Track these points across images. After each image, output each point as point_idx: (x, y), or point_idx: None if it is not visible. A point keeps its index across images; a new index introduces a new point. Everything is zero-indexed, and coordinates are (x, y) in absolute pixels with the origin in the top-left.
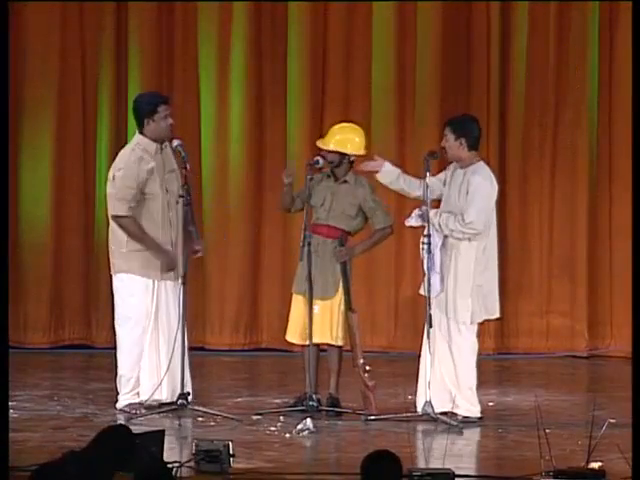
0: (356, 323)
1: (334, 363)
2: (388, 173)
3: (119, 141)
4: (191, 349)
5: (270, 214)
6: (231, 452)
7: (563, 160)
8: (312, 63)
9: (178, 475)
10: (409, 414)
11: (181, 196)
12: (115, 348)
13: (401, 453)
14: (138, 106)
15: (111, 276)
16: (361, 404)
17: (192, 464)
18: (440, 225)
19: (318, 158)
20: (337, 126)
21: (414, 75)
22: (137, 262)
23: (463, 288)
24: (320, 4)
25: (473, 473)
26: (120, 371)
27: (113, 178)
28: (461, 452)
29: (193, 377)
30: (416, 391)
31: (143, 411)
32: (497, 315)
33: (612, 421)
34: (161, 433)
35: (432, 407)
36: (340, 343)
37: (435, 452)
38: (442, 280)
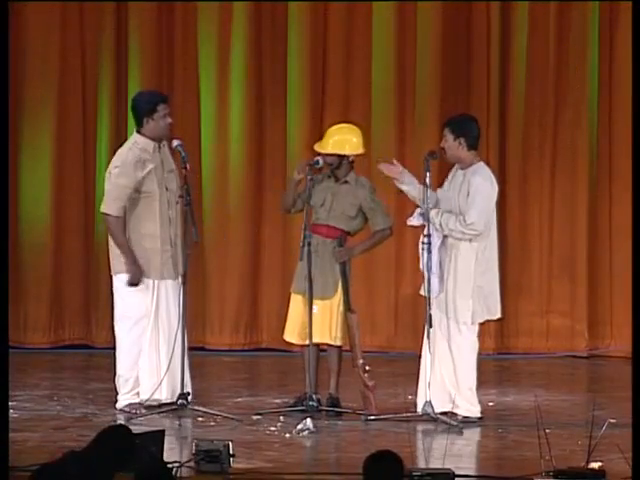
0: (355, 323)
1: (334, 363)
2: (408, 182)
3: (119, 141)
4: (191, 349)
5: (270, 214)
6: (231, 452)
7: (563, 160)
8: (312, 63)
9: (178, 475)
10: (409, 414)
11: (181, 196)
12: (115, 348)
13: (401, 453)
14: (137, 105)
15: (111, 276)
16: (361, 404)
17: (192, 464)
18: (441, 225)
19: (318, 158)
20: (333, 128)
21: (414, 75)
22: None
23: (463, 288)
24: (320, 4)
25: (473, 473)
26: (119, 371)
27: (109, 174)
28: (461, 452)
29: (193, 377)
30: (416, 391)
31: (143, 411)
32: (499, 315)
33: (612, 421)
34: (161, 433)
35: (432, 407)
36: (339, 343)
37: (435, 452)
38: (440, 281)
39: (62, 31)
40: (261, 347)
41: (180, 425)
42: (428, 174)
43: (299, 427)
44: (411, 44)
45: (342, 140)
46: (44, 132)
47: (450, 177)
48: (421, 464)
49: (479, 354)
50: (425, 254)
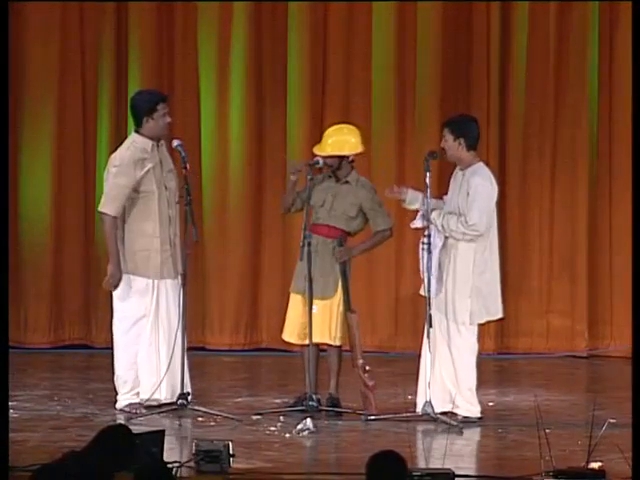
0: (356, 323)
1: (334, 363)
2: (413, 200)
3: (119, 141)
4: (191, 349)
5: (270, 214)
6: (231, 452)
7: (563, 160)
8: (312, 63)
9: (178, 475)
10: (409, 414)
11: (181, 196)
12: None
13: (401, 453)
14: (137, 104)
15: None
16: (361, 404)
17: (192, 464)
18: (443, 226)
19: (318, 158)
20: (331, 129)
21: (414, 75)
22: (136, 262)
23: (462, 289)
24: (320, 4)
25: (473, 473)
26: (117, 372)
27: (108, 174)
28: (461, 452)
29: (193, 377)
30: (416, 391)
31: (143, 411)
32: (500, 315)
33: (612, 421)
34: (161, 433)
35: (432, 407)
36: (338, 343)
37: (435, 452)
38: (438, 282)
39: (62, 31)
40: (261, 347)
41: (180, 425)
42: (428, 174)
43: (299, 427)
44: (411, 44)
45: (340, 141)
46: (44, 132)
47: (452, 180)
48: (421, 464)
49: (479, 354)
50: (425, 254)
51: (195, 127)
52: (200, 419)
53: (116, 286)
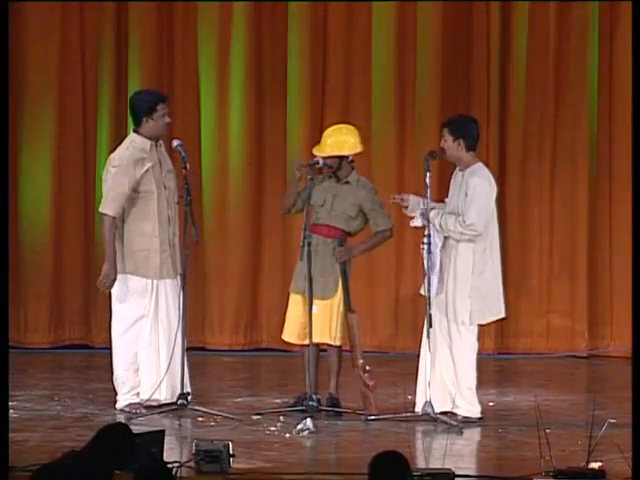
0: (356, 323)
1: (334, 363)
2: (415, 206)
3: (119, 141)
4: (191, 349)
5: (270, 214)
6: (231, 452)
7: (563, 160)
8: (312, 63)
9: (178, 475)
10: (409, 414)
11: (181, 196)
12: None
13: (402, 453)
14: (136, 104)
15: None
16: (361, 404)
17: (192, 464)
18: (441, 225)
19: (318, 158)
20: (330, 129)
21: (414, 75)
22: (135, 262)
23: (462, 289)
24: (320, 4)
25: (473, 473)
26: (115, 372)
27: (107, 174)
28: (461, 452)
29: (193, 377)
30: (416, 391)
31: (143, 411)
32: (502, 315)
33: (612, 421)
34: (161, 433)
35: (432, 407)
36: (338, 343)
37: (435, 452)
38: (440, 281)
39: (62, 31)
40: (261, 347)
41: (180, 425)
42: (428, 174)
43: (299, 427)
44: (411, 44)
45: (340, 141)
46: (44, 132)
47: (452, 180)
48: (421, 464)
49: (479, 354)
50: (425, 254)
51: (195, 127)
52: (200, 419)
53: (110, 286)
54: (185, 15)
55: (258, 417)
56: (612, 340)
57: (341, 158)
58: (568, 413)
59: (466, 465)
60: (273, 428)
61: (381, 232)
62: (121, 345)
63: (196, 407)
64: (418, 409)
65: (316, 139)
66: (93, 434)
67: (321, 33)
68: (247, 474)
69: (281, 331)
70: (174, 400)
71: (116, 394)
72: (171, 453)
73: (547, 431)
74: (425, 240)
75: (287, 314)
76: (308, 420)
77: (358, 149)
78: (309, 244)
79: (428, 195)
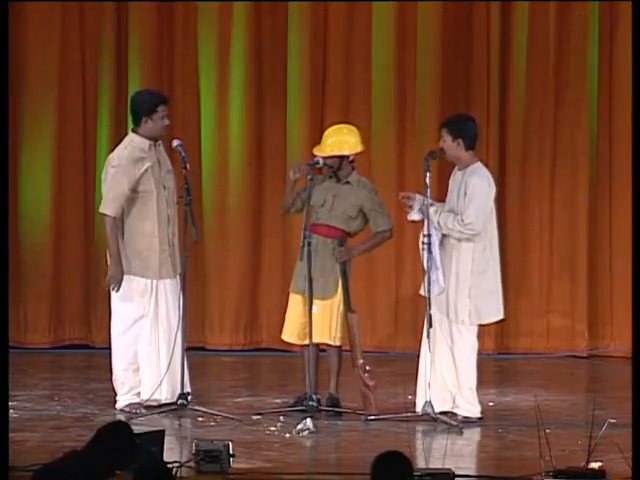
0: (356, 323)
1: (334, 363)
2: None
3: (119, 141)
4: (191, 349)
5: (270, 214)
6: (231, 452)
7: (563, 160)
8: (312, 63)
9: (178, 475)
10: (409, 414)
11: (181, 196)
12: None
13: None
14: (137, 104)
15: None
16: (361, 404)
17: (192, 464)
18: (439, 223)
19: (318, 158)
20: (330, 129)
21: (414, 75)
22: (135, 263)
23: (462, 289)
24: (320, 4)
25: (473, 473)
26: (114, 373)
27: (106, 174)
28: (461, 452)
29: (193, 377)
30: (416, 391)
31: (143, 411)
32: (501, 317)
33: (612, 421)
34: (161, 433)
35: (432, 407)
36: (338, 343)
37: (435, 452)
38: (444, 275)
39: (62, 31)
40: (261, 347)
41: (180, 425)
42: (428, 174)
43: (299, 427)
44: (411, 44)
45: (340, 141)
46: (44, 132)
47: (451, 181)
48: (421, 464)
49: (479, 354)
50: (425, 254)
51: (195, 127)
52: (200, 419)
53: (117, 286)
54: (185, 15)
55: (258, 417)
56: (612, 340)
57: (342, 158)
58: (568, 413)
59: (466, 465)
60: (273, 428)
61: (381, 232)
62: (121, 345)
63: (196, 407)
64: (418, 409)
65: (316, 139)
66: (93, 433)
67: (321, 33)
68: (247, 474)
69: (281, 331)
70: (174, 400)
71: (116, 394)
72: (171, 453)
73: (547, 431)
74: (425, 240)
75: (287, 314)
76: (308, 420)
77: (359, 149)
78: (309, 244)
79: (428, 195)
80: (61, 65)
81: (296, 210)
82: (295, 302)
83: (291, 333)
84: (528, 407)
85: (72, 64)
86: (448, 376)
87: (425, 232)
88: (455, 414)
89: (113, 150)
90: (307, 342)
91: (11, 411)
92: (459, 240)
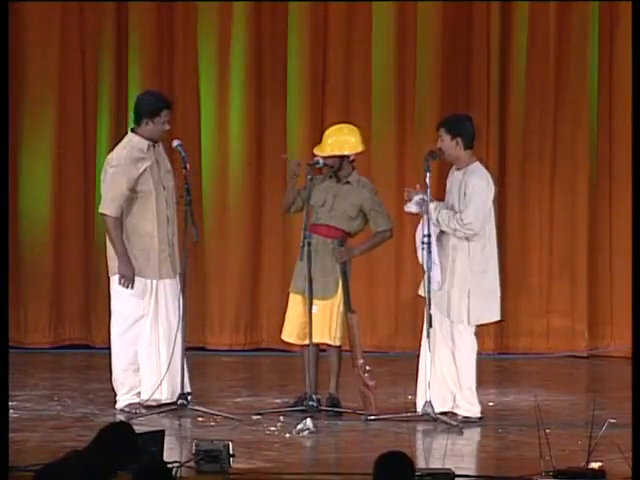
0: (356, 323)
1: (334, 363)
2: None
3: (119, 141)
4: (191, 349)
5: (270, 214)
6: (231, 452)
7: (563, 160)
8: (312, 63)
9: (178, 475)
10: (409, 414)
11: (181, 196)
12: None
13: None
14: (142, 104)
15: (109, 277)
16: (361, 404)
17: (192, 464)
18: (438, 220)
19: (318, 158)
20: (331, 129)
21: (414, 75)
22: (134, 263)
23: (462, 289)
24: (320, 4)
25: (473, 473)
26: (114, 373)
27: (106, 174)
28: (461, 452)
29: (193, 377)
30: (416, 391)
31: (143, 411)
32: (497, 318)
33: (612, 421)
34: (161, 433)
35: (432, 407)
36: (338, 343)
37: (435, 452)
38: (442, 273)
39: (62, 31)
40: (261, 347)
41: (180, 425)
42: (428, 174)
43: (299, 427)
44: (411, 44)
45: (340, 141)
46: (44, 132)
47: (449, 180)
48: (421, 464)
49: (479, 354)
50: (425, 254)
51: (195, 127)
52: (200, 419)
53: (131, 284)
54: (185, 15)
55: (258, 417)
56: (612, 340)
57: (342, 158)
58: (568, 413)
59: (466, 465)
60: (273, 428)
61: (381, 232)
62: (120, 345)
63: (196, 407)
64: (418, 409)
65: (316, 139)
66: (94, 434)
67: (321, 33)
68: (247, 474)
69: (281, 331)
70: (174, 400)
71: (116, 394)
72: (171, 453)
73: (547, 431)
74: (425, 240)
75: (287, 314)
76: (308, 420)
77: (359, 149)
78: (309, 244)
79: (428, 195)
80: (61, 65)
81: (296, 209)
82: (295, 302)
83: (291, 333)
84: (528, 407)
85: (72, 64)
86: (448, 376)
87: (425, 232)
88: (455, 414)
89: (112, 150)
90: (307, 342)
91: (11, 411)
92: (460, 239)
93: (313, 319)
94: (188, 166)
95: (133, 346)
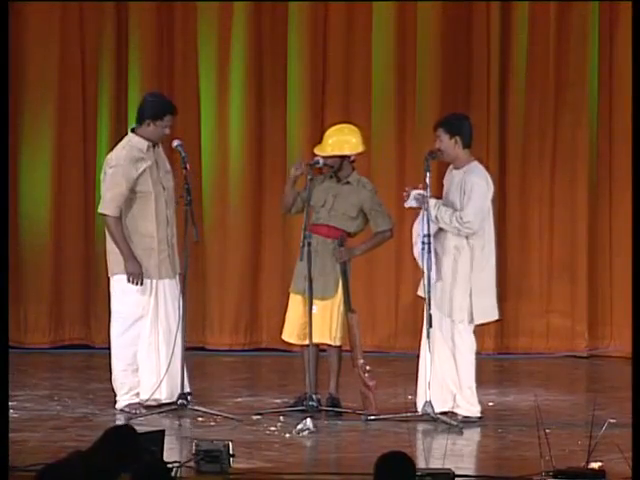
0: (356, 323)
1: (334, 363)
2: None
3: (118, 141)
4: (191, 349)
5: (270, 214)
6: (231, 452)
7: (563, 160)
8: (312, 63)
9: (178, 475)
10: (409, 414)
11: (181, 196)
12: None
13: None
14: (146, 105)
15: (108, 277)
16: (361, 404)
17: (192, 464)
18: (437, 217)
19: (318, 158)
20: (331, 129)
21: (414, 75)
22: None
23: (464, 288)
24: (320, 4)
25: (473, 473)
26: (114, 373)
27: (105, 175)
28: (461, 452)
29: (193, 377)
30: (416, 391)
31: (143, 411)
32: (496, 317)
33: (612, 421)
34: (161, 433)
35: (432, 407)
36: (338, 343)
37: (435, 452)
38: (440, 271)
39: (62, 31)
40: (261, 347)
41: (180, 425)
42: (428, 174)
43: (299, 427)
44: (411, 44)
45: (341, 141)
46: (44, 132)
47: (447, 179)
48: (421, 464)
49: (479, 354)
50: (425, 254)
51: (195, 127)
52: (200, 419)
53: (140, 281)
54: (185, 15)
55: (258, 417)
56: (612, 340)
57: (342, 158)
58: (568, 413)
59: (466, 465)
60: (273, 428)
61: (381, 232)
62: (120, 345)
63: (196, 407)
64: (418, 409)
65: (316, 139)
66: (93, 435)
67: (321, 33)
68: (247, 474)
69: (281, 331)
70: (174, 400)
71: (115, 395)
72: (171, 453)
73: (547, 431)
74: (425, 240)
75: (287, 314)
76: (308, 420)
77: (359, 149)
78: (309, 244)
79: (428, 196)
80: (61, 65)
81: (297, 210)
82: (295, 302)
83: (291, 333)
84: (528, 407)
85: (72, 64)
86: (449, 376)
87: (425, 232)
88: (455, 414)
89: (112, 150)
90: (307, 342)
91: (11, 411)
92: (460, 238)
93: (313, 319)
94: (188, 166)
95: (133, 346)
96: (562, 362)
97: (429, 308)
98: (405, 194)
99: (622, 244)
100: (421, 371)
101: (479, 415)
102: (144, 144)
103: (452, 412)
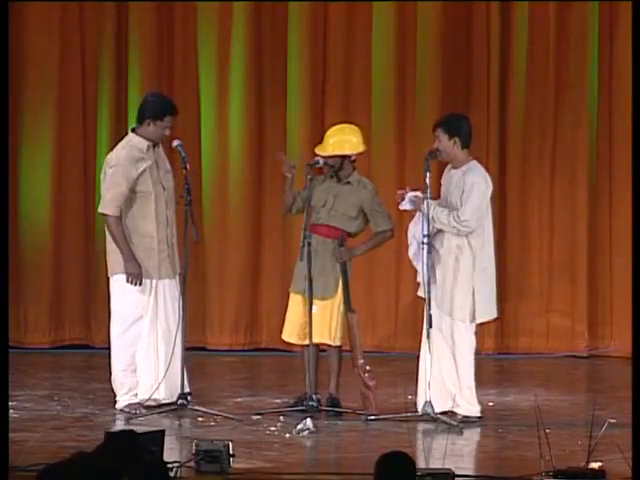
0: (356, 323)
1: (334, 363)
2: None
3: (118, 141)
4: (191, 349)
5: (270, 214)
6: (231, 452)
7: (563, 160)
8: (312, 63)
9: (178, 475)
10: (409, 414)
11: (181, 196)
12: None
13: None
14: (148, 105)
15: (108, 277)
16: (361, 404)
17: (192, 464)
18: (433, 217)
19: (318, 158)
20: (332, 129)
21: (414, 75)
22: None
23: (466, 287)
24: (320, 4)
25: (473, 473)
26: (113, 373)
27: (105, 175)
28: (461, 452)
29: (193, 377)
30: (416, 391)
31: (143, 411)
32: (495, 316)
33: (612, 421)
34: (161, 433)
35: (432, 407)
36: (338, 343)
37: (435, 452)
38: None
39: (62, 31)
40: (261, 347)
41: (180, 425)
42: (428, 174)
43: (299, 427)
44: (411, 44)
45: (341, 141)
46: (44, 132)
47: (446, 179)
48: (421, 464)
49: (479, 354)
50: (425, 254)
51: (195, 127)
52: (200, 419)
53: (139, 281)
54: (185, 15)
55: (258, 417)
56: (612, 340)
57: (343, 158)
58: (568, 413)
59: (466, 465)
60: (273, 428)
61: (382, 232)
62: (120, 346)
63: (196, 407)
64: (418, 409)
65: (316, 139)
66: (93, 435)
67: (321, 33)
68: (247, 474)
69: (281, 331)
70: (173, 400)
71: (115, 395)
72: (171, 453)
73: (547, 431)
74: (425, 240)
75: (287, 314)
76: (308, 420)
77: (360, 149)
78: (309, 244)
79: (428, 195)
80: (61, 65)
81: (297, 210)
82: (295, 302)
83: (291, 333)
84: (528, 407)
85: (72, 64)
86: (448, 376)
87: (424, 232)
88: (455, 413)
89: (112, 150)
90: (307, 342)
91: (11, 411)
92: (461, 237)
93: (313, 319)
94: (188, 166)
95: (132, 346)
96: (562, 362)
97: (429, 308)
98: (399, 196)
99: (622, 244)
100: (421, 371)
101: (479, 415)
102: (144, 144)
103: (452, 412)
